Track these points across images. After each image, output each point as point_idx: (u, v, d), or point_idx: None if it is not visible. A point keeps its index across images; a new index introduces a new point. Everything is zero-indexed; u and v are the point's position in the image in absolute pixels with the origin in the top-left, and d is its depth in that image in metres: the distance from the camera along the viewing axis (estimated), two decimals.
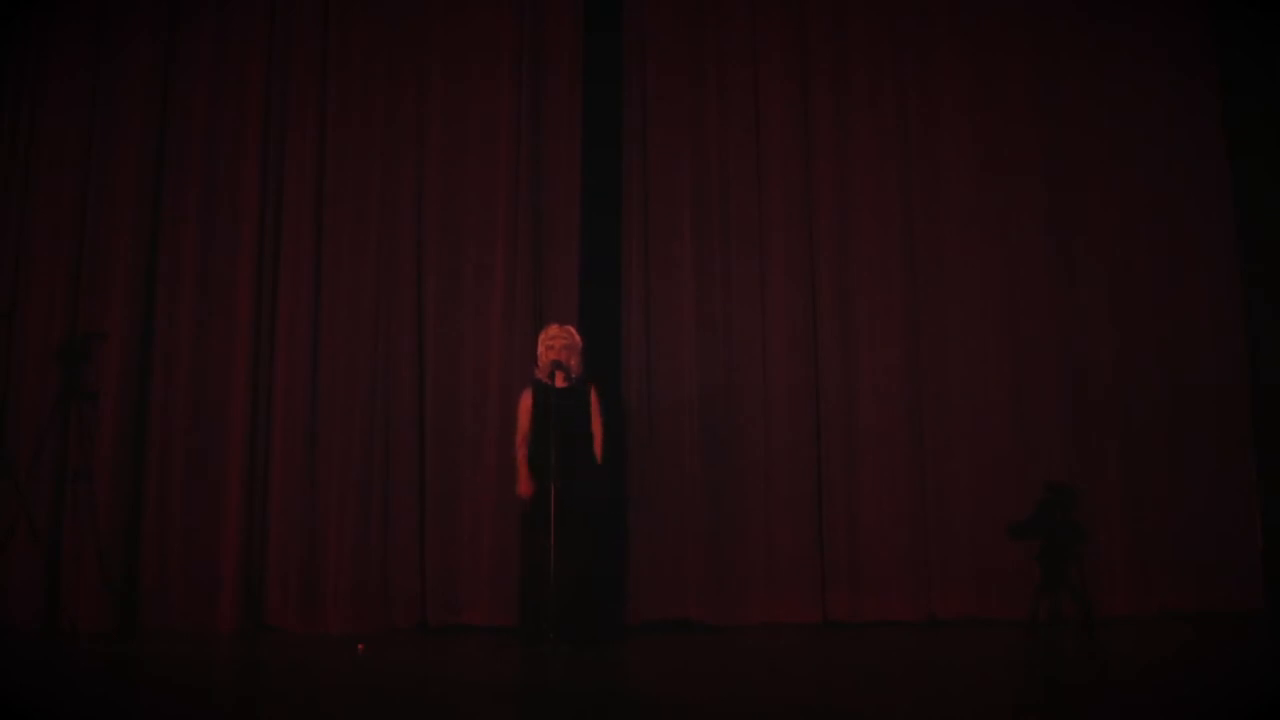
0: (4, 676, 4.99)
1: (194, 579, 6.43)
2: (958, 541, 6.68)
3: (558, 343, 6.03)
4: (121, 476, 6.48)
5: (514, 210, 6.82)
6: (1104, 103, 7.10)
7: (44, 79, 6.83)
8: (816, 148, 7.04)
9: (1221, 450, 6.86)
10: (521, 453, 5.95)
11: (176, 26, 6.86)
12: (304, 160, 6.81)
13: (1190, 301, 6.99)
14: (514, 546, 6.17)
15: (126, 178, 6.72)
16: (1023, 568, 6.40)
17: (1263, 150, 7.02)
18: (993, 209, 7.00)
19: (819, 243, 6.97)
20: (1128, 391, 6.88)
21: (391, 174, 6.86)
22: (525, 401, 6.02)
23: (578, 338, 6.11)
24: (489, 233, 6.81)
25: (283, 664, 5.50)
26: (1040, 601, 6.06)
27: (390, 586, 6.51)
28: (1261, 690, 4.45)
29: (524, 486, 5.87)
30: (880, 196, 7.01)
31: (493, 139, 6.89)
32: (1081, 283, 6.97)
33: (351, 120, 6.86)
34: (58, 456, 6.38)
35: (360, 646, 5.70)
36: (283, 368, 6.65)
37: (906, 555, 6.69)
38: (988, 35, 7.15)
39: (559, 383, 5.97)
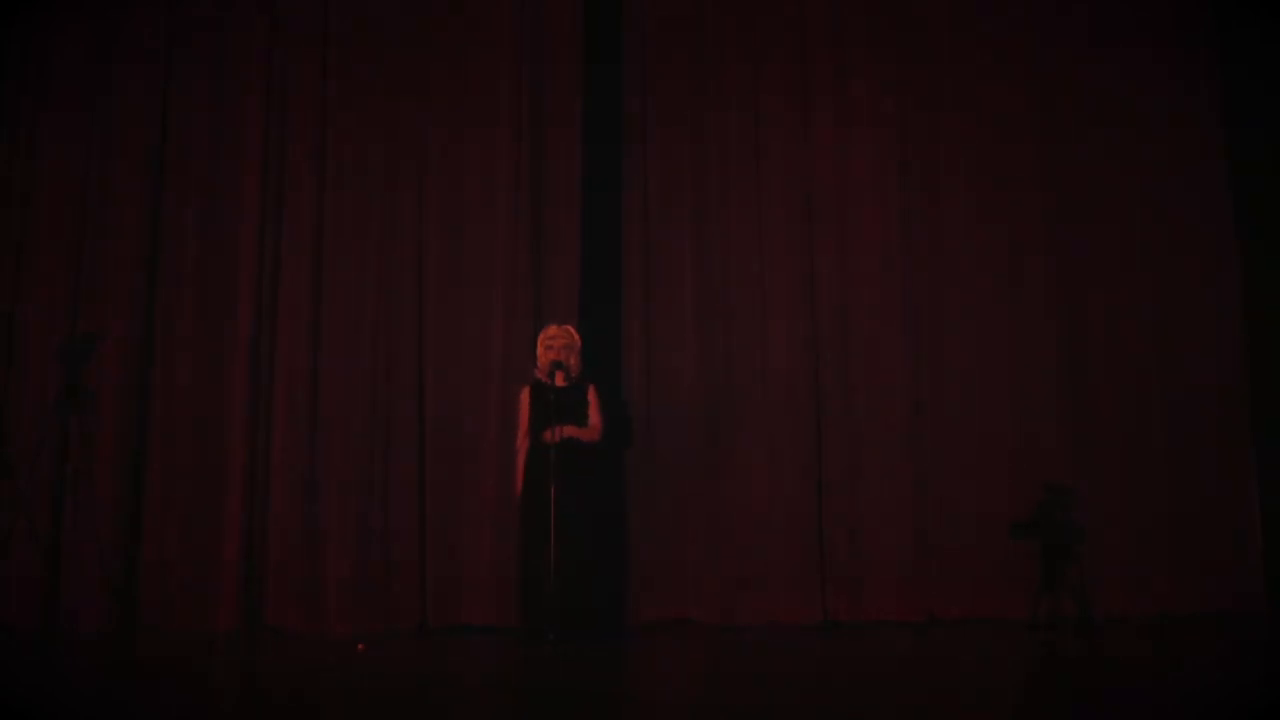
0: (4, 676, 4.99)
1: (194, 579, 6.43)
2: (958, 541, 6.68)
3: (557, 342, 6.04)
4: (121, 476, 6.49)
5: (514, 210, 6.82)
6: (1105, 102, 7.09)
7: (47, 77, 6.84)
8: (817, 148, 7.03)
9: (1222, 450, 6.85)
10: (522, 449, 5.98)
11: (176, 10, 6.88)
12: (304, 158, 6.82)
13: (1191, 300, 6.99)
14: (514, 546, 6.17)
15: (127, 177, 6.74)
16: (1023, 568, 6.39)
17: (1263, 149, 7.01)
18: (994, 207, 7.00)
19: (820, 244, 6.96)
20: (1128, 391, 6.88)
21: (392, 173, 6.87)
22: (525, 398, 6.05)
23: (577, 337, 6.13)
24: (489, 232, 6.81)
25: (283, 664, 5.50)
26: (1040, 601, 6.06)
27: (390, 586, 6.50)
28: (1262, 691, 4.45)
29: (520, 487, 5.94)
30: (881, 198, 7.00)
31: (493, 133, 6.89)
32: (1082, 282, 6.97)
33: (352, 119, 6.87)
34: (58, 456, 6.39)
35: (360, 646, 5.71)
36: (283, 367, 6.66)
37: (906, 555, 6.69)
38: (988, 33, 7.16)
39: (559, 382, 5.98)
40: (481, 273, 6.78)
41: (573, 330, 6.16)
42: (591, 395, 6.06)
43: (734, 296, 6.92)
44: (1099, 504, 6.65)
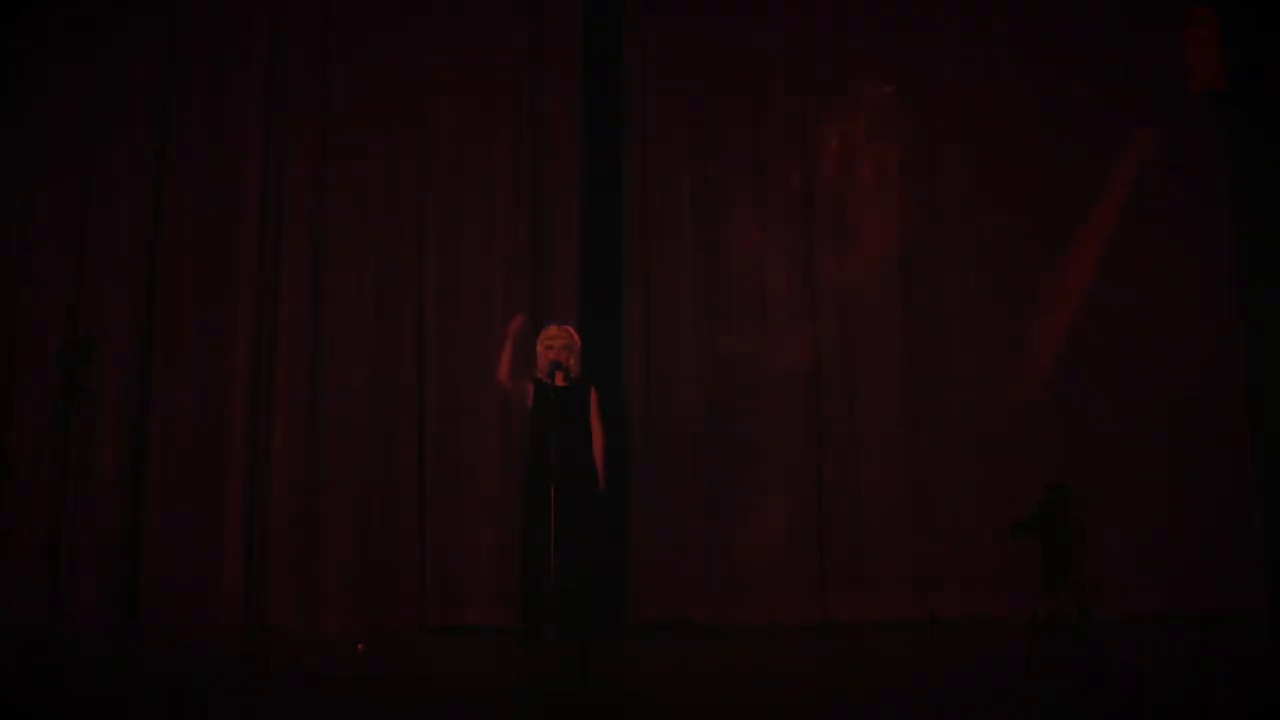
0: (4, 676, 5.00)
1: (194, 579, 6.44)
2: (958, 541, 6.68)
3: (557, 343, 6.04)
4: (122, 476, 6.49)
5: (514, 209, 6.83)
6: (1106, 100, 7.09)
7: (48, 77, 6.86)
8: (817, 149, 7.04)
9: (1222, 450, 6.83)
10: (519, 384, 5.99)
11: (178, 9, 6.91)
12: (305, 159, 6.83)
13: (1191, 300, 6.98)
14: (514, 546, 6.17)
15: (128, 177, 6.76)
16: (1023, 568, 6.39)
17: (1264, 147, 7.01)
18: (993, 208, 7.00)
19: (820, 244, 6.98)
20: (1128, 390, 6.87)
21: (393, 173, 6.88)
22: (529, 388, 6.03)
23: (576, 337, 6.12)
24: (489, 233, 6.83)
25: (283, 664, 5.50)
26: (1040, 601, 6.06)
27: (390, 586, 6.51)
28: (1262, 692, 4.45)
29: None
30: (881, 198, 7.00)
31: (494, 133, 6.89)
32: (1082, 280, 6.96)
33: (354, 118, 6.88)
34: (58, 456, 6.39)
35: (360, 646, 5.71)
36: (283, 367, 6.67)
37: (906, 555, 6.68)
38: (989, 33, 7.16)
39: (558, 382, 5.98)
40: (482, 274, 6.79)
41: (572, 330, 6.15)
42: (593, 401, 6.04)
43: (734, 297, 6.92)
44: (1099, 504, 6.65)
